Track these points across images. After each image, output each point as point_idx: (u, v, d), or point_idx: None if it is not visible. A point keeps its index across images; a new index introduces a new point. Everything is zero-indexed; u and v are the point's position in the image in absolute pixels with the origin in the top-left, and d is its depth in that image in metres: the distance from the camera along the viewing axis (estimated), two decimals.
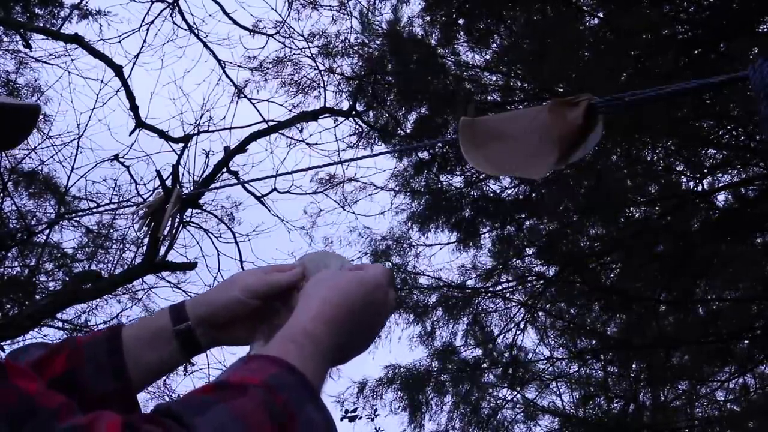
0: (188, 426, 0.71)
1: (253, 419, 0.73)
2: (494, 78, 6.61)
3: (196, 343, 1.12)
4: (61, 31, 7.54)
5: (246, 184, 7.75)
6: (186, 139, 7.93)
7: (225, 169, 7.71)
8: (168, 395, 7.73)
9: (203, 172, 7.70)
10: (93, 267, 7.93)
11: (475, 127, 1.34)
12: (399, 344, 7.39)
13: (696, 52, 5.62)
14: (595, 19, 5.91)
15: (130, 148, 7.73)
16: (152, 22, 7.75)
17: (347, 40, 6.98)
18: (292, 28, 7.43)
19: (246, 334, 1.12)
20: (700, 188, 6.32)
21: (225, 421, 0.72)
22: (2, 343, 6.43)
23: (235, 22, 7.90)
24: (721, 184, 6.38)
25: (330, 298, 0.95)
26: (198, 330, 1.13)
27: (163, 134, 7.91)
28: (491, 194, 6.86)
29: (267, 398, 0.76)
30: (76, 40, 7.53)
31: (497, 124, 1.34)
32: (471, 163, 1.37)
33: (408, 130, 6.58)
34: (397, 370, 7.27)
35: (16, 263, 7.91)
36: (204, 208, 8.18)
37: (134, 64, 7.69)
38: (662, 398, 7.15)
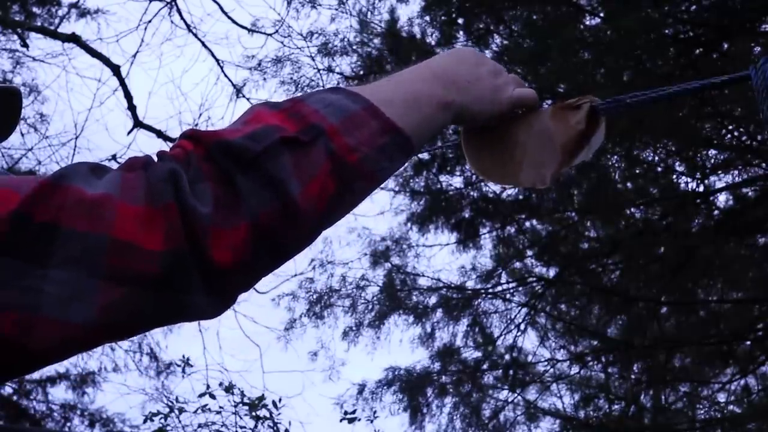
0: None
1: (250, 117, 0.82)
2: None
3: None
4: (59, 30, 7.51)
5: None
6: None
7: None
8: (166, 396, 7.71)
9: None
10: None
11: (477, 133, 1.30)
12: (400, 346, 7.36)
13: (697, 52, 5.60)
14: (596, 18, 5.88)
15: (128, 148, 7.70)
16: (150, 21, 7.71)
17: (346, 39, 6.95)
18: (291, 27, 7.40)
19: None
20: (701, 189, 6.29)
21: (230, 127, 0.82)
22: None
23: (234, 21, 7.87)
24: (722, 185, 6.35)
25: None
26: None
27: (161, 134, 7.88)
28: (491, 195, 6.84)
29: (268, 103, 0.84)
30: (74, 39, 7.50)
31: (498, 130, 1.30)
32: (475, 172, 1.34)
33: None
34: (396, 372, 7.24)
35: None
36: None
37: (132, 63, 7.67)
38: (663, 400, 7.12)
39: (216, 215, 0.74)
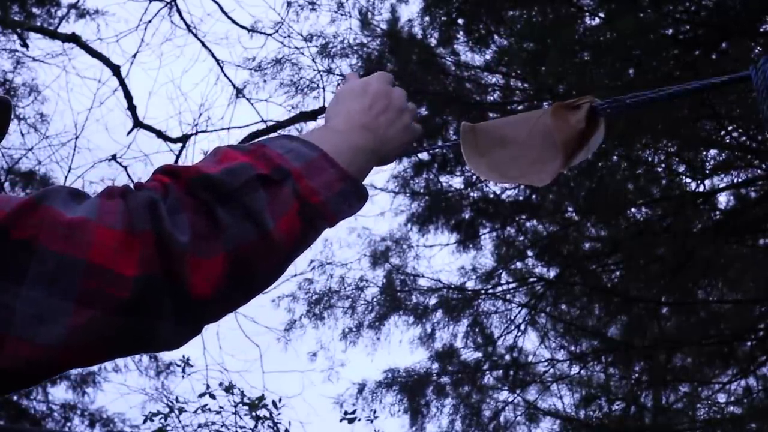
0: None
1: (221, 156, 0.84)
2: (494, 79, 6.57)
3: None
4: (59, 30, 7.51)
5: None
6: (184, 139, 7.90)
7: None
8: (166, 396, 7.71)
9: None
10: None
11: (476, 133, 1.30)
12: (399, 347, 7.36)
13: (697, 52, 5.59)
14: (596, 19, 5.88)
15: (128, 148, 7.70)
16: (150, 21, 7.71)
17: (346, 40, 6.94)
18: (291, 27, 7.39)
19: None
20: (701, 189, 6.28)
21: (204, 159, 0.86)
22: None
23: (234, 22, 7.87)
24: (722, 185, 6.35)
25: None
26: None
27: (161, 134, 7.88)
28: (491, 195, 6.83)
29: (234, 145, 0.87)
30: (74, 39, 7.50)
31: (498, 129, 1.30)
32: (474, 171, 1.34)
33: None
34: (396, 374, 7.23)
35: None
36: None
37: (132, 63, 7.66)
38: (664, 400, 7.11)
39: (194, 244, 0.76)
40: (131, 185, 0.81)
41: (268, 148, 0.86)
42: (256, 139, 0.96)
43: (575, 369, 7.20)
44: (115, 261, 0.73)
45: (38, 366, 0.73)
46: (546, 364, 7.23)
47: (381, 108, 1.03)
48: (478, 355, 7.29)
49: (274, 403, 7.38)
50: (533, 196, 6.64)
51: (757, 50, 5.33)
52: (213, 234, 0.77)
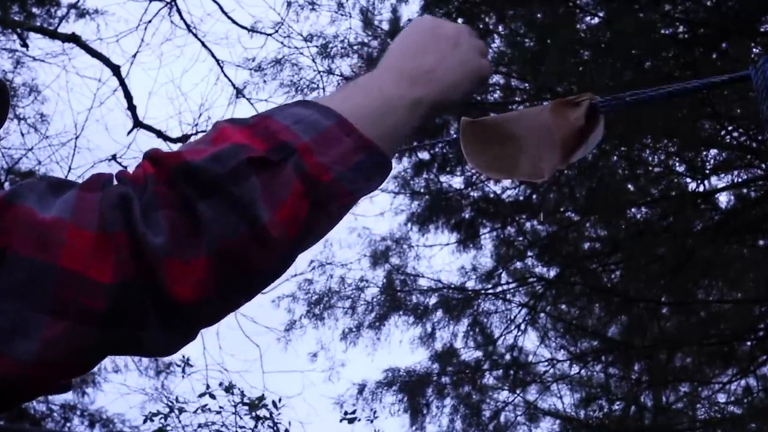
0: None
1: (214, 135, 0.75)
2: (494, 78, 6.57)
3: None
4: (59, 30, 7.51)
5: None
6: (184, 139, 7.89)
7: None
8: (167, 396, 7.72)
9: None
10: None
11: (476, 128, 1.30)
12: (400, 347, 7.36)
13: (697, 52, 5.60)
14: (595, 19, 5.88)
15: (128, 148, 7.69)
16: (150, 21, 7.71)
17: (346, 40, 6.95)
18: (291, 27, 7.40)
19: None
20: (701, 189, 6.29)
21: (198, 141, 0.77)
22: None
23: (234, 22, 7.87)
24: (722, 185, 6.35)
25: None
26: None
27: (161, 134, 7.88)
28: (491, 195, 6.83)
29: (234, 120, 0.78)
30: (74, 39, 7.50)
31: (497, 125, 1.30)
32: (472, 167, 1.34)
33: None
34: (396, 373, 7.23)
35: None
36: None
37: (132, 63, 7.67)
38: (664, 400, 7.12)
39: (172, 246, 0.68)
40: (115, 175, 0.74)
41: (273, 120, 0.76)
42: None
43: (575, 369, 7.20)
44: (89, 266, 0.67)
45: (17, 381, 0.68)
46: (546, 364, 7.24)
47: (429, 42, 0.90)
48: (478, 355, 7.29)
49: (274, 403, 7.38)
50: (533, 196, 6.64)
51: (756, 50, 5.33)
52: (194, 232, 0.69)
